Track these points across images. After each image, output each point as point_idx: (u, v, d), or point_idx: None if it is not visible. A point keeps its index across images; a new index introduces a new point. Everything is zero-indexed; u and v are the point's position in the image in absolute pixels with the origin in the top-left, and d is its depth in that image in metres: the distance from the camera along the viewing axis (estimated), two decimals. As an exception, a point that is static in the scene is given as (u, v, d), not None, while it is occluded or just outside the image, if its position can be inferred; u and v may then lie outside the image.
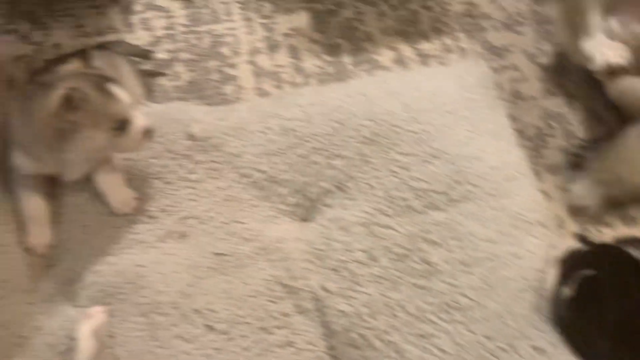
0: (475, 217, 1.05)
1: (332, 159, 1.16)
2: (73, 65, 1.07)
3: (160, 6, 1.63)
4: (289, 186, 1.16)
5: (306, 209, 1.16)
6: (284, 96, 1.29)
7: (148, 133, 1.07)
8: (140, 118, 1.06)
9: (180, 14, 1.62)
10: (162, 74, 1.45)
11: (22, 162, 1.10)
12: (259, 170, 1.17)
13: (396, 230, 1.04)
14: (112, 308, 1.01)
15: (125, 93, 1.05)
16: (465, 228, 1.04)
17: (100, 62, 1.17)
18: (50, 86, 1.00)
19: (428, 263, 1.01)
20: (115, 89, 1.03)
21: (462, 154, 1.12)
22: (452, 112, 1.18)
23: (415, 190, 1.08)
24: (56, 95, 0.97)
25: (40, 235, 1.11)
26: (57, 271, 1.09)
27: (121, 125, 1.03)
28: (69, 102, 0.96)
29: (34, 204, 1.12)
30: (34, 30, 1.56)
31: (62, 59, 1.22)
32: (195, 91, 1.45)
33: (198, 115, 1.25)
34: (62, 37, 1.55)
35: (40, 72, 1.19)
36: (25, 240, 1.10)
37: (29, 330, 1.01)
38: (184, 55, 1.52)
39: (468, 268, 0.99)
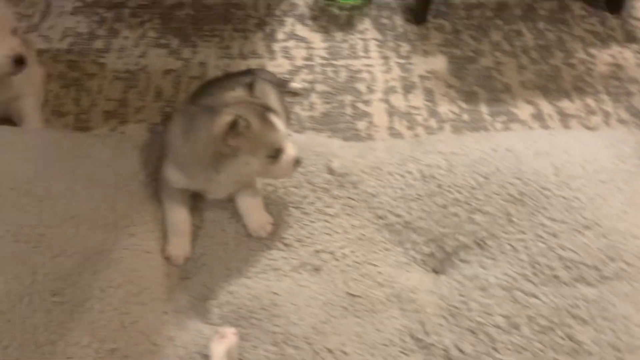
0: (630, 299, 0.98)
1: (473, 213, 1.13)
2: (239, 93, 1.10)
3: (302, 37, 1.68)
4: (424, 235, 1.14)
5: (440, 260, 1.13)
6: (423, 140, 1.28)
7: (297, 163, 1.10)
8: (291, 148, 1.09)
9: (320, 46, 1.66)
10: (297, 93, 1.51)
11: (173, 175, 1.15)
12: (395, 214, 1.16)
13: (541, 300, 1.00)
14: (244, 331, 1.02)
15: (282, 123, 1.08)
16: (618, 309, 0.97)
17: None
18: (216, 111, 1.04)
19: (574, 341, 0.95)
20: (275, 119, 1.06)
21: (617, 229, 1.06)
22: (607, 181, 1.13)
23: (564, 260, 1.03)
24: (223, 121, 1.01)
25: (179, 245, 1.15)
26: (192, 284, 1.12)
27: (276, 153, 1.06)
28: (234, 129, 1.00)
29: (177, 216, 1.17)
30: (183, 47, 1.65)
31: (220, 82, 1.27)
32: (328, 123, 1.47)
33: (337, 150, 1.26)
34: (208, 56, 1.62)
35: (200, 94, 1.24)
36: (165, 249, 1.14)
37: (163, 339, 1.04)
38: (321, 87, 1.56)
39: (620, 354, 0.93)
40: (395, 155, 1.24)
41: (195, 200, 1.20)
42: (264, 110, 1.07)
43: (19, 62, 1.18)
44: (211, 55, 1.63)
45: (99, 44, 1.65)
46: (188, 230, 1.16)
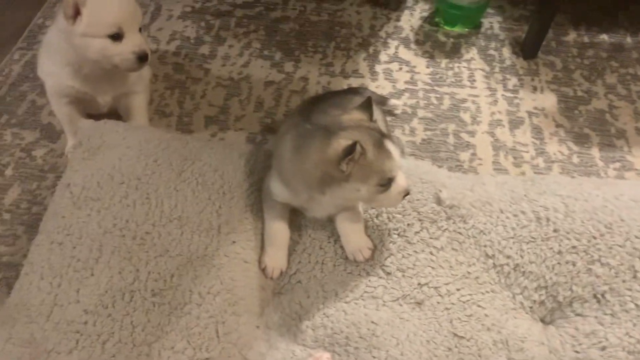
0: None
1: (592, 263, 1.05)
2: (355, 115, 1.06)
3: (406, 60, 1.65)
4: (535, 280, 1.07)
5: (550, 310, 1.06)
6: (537, 180, 1.21)
7: (406, 194, 1.05)
8: (402, 178, 1.04)
9: (424, 71, 1.62)
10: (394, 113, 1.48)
11: (276, 188, 1.13)
12: (505, 255, 1.10)
13: (671, 370, 0.90)
14: (338, 358, 0.97)
15: (397, 152, 1.03)
16: None
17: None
18: (332, 133, 1.01)
19: None
20: (391, 148, 1.02)
21: None
22: None
23: (699, 327, 0.94)
24: (339, 145, 0.98)
25: (276, 257, 1.12)
26: (285, 301, 1.09)
27: (387, 183, 1.02)
28: (349, 154, 0.96)
29: (276, 227, 1.14)
30: (286, 61, 1.64)
31: (331, 99, 1.25)
32: (429, 150, 1.43)
33: (444, 180, 1.21)
34: (310, 71, 1.61)
35: (309, 110, 1.21)
36: (261, 260, 1.12)
37: (255, 355, 1.01)
38: (422, 113, 1.51)
39: None
40: (507, 192, 1.18)
41: (296, 215, 1.17)
42: (381, 137, 1.03)
43: (143, 59, 1.20)
44: (313, 71, 1.62)
45: (204, 49, 1.67)
46: (285, 244, 1.14)
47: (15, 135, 1.44)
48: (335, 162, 0.98)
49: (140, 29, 1.23)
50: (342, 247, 1.13)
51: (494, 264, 1.10)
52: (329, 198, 1.04)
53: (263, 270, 1.12)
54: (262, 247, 1.14)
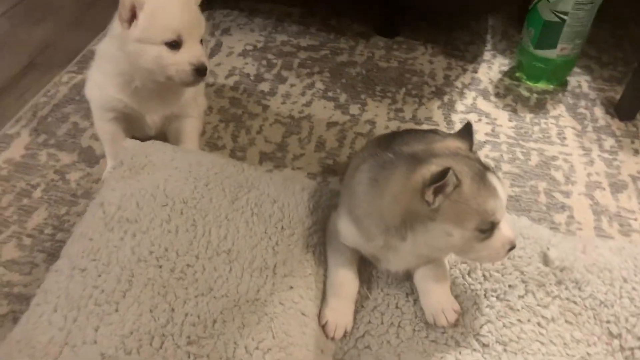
0: None
1: None
2: (451, 143, 0.88)
3: (485, 112, 1.49)
4: (680, 372, 0.81)
5: None
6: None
7: (512, 248, 0.83)
8: (507, 226, 0.83)
9: (506, 124, 1.45)
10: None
11: (345, 229, 0.93)
12: (636, 336, 0.85)
13: None
14: None
15: (504, 189, 0.83)
16: None
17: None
18: (419, 159, 0.83)
19: None
20: (496, 183, 0.82)
21: None
22: None
23: None
24: (427, 171, 0.79)
25: (339, 312, 0.91)
26: (350, 370, 0.85)
27: (489, 228, 0.81)
28: (440, 184, 0.77)
29: (342, 276, 0.94)
30: (351, 103, 1.50)
31: (413, 133, 1.08)
32: (519, 209, 1.22)
33: (549, 237, 0.99)
34: (378, 115, 1.46)
35: (388, 143, 1.03)
36: (323, 314, 0.90)
37: None
38: (507, 167, 1.32)
39: None
40: (629, 259, 0.96)
41: (366, 264, 0.96)
42: (483, 168, 0.83)
43: (200, 72, 1.06)
44: (381, 115, 1.46)
45: (264, 86, 1.54)
46: (352, 296, 0.93)
47: (51, 156, 1.30)
48: (421, 192, 0.78)
49: (201, 41, 1.09)
50: (421, 308, 0.90)
51: (621, 346, 0.85)
52: (410, 245, 0.84)
53: (323, 327, 0.90)
54: (324, 299, 0.93)
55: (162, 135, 1.25)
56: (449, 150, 0.86)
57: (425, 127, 1.42)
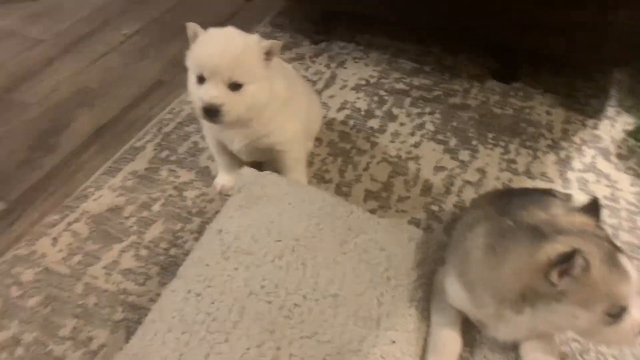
0: None
1: None
2: (577, 218, 0.84)
3: (605, 173, 1.41)
4: None
5: None
6: None
7: None
8: (638, 308, 0.78)
9: (627, 189, 1.36)
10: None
11: (452, 290, 0.91)
12: None
13: None
14: None
15: (635, 271, 0.78)
16: None
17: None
18: (544, 234, 0.80)
19: None
20: (627, 265, 0.77)
21: None
22: None
23: None
24: (553, 250, 0.76)
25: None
26: None
27: (618, 312, 0.76)
28: (566, 266, 0.73)
29: (445, 337, 0.92)
30: (461, 148, 1.48)
31: (529, 195, 1.04)
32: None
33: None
34: (489, 164, 1.43)
35: (500, 203, 1.00)
36: (421, 375, 0.89)
37: None
38: (626, 236, 1.24)
39: None
40: None
41: (471, 325, 0.94)
42: (613, 249, 0.79)
43: (207, 112, 1.05)
44: (492, 165, 1.42)
45: (374, 122, 1.56)
46: (454, 358, 0.90)
47: (171, 173, 1.39)
48: (545, 273, 0.75)
49: (233, 85, 1.05)
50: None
51: None
52: (527, 319, 0.81)
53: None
54: (424, 357, 0.91)
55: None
56: (575, 226, 0.82)
57: (538, 182, 1.37)
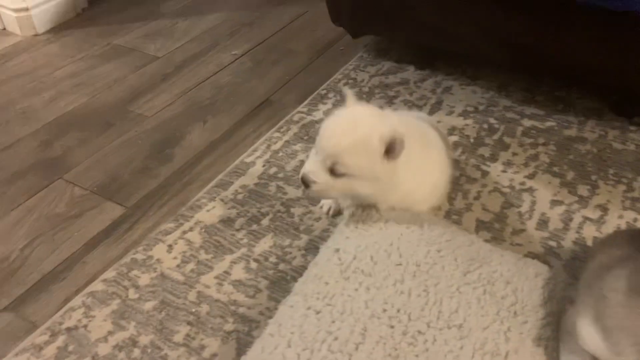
0: None
1: None
2: None
3: None
4: None
5: None
6: None
7: None
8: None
9: None
10: None
11: (585, 333, 0.84)
12: None
13: None
14: None
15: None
16: None
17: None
18: None
19: None
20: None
21: None
22: None
23: None
24: None
25: None
26: None
27: None
28: None
29: (576, 383, 0.84)
30: (579, 183, 1.40)
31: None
32: None
33: None
34: (611, 202, 1.34)
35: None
36: None
37: None
38: None
39: None
40: None
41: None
42: None
43: (303, 182, 1.03)
44: (614, 202, 1.34)
45: (484, 150, 1.51)
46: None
47: (280, 189, 1.41)
48: None
49: (333, 169, 0.99)
50: None
51: None
52: None
53: None
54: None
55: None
56: None
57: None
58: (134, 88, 1.85)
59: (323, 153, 0.98)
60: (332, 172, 0.98)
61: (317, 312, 0.90)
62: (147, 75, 1.91)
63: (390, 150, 0.96)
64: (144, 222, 1.34)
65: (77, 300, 1.15)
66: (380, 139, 0.95)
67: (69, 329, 1.09)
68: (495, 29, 1.34)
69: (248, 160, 1.51)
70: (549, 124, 1.61)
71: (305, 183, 1.01)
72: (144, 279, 1.18)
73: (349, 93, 1.05)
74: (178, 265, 1.21)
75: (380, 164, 0.97)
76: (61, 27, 2.22)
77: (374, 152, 0.96)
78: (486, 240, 1.23)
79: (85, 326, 1.09)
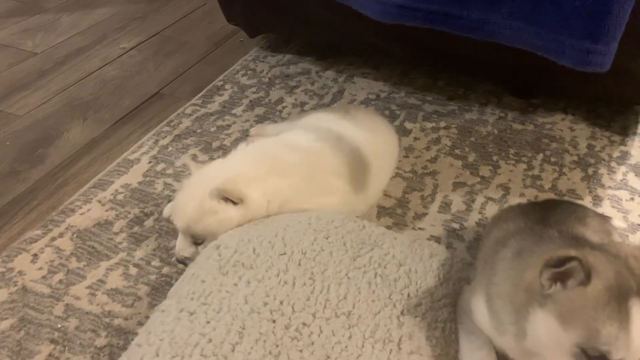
0: None
1: None
2: (628, 249, 0.70)
3: (639, 190, 1.29)
4: None
5: None
6: None
7: None
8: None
9: (665, 207, 1.24)
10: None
11: (476, 307, 0.79)
12: None
13: None
14: None
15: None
16: None
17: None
18: (571, 245, 0.70)
19: None
20: (636, 316, 0.62)
21: None
22: None
23: None
24: (553, 255, 0.65)
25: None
26: None
27: (596, 356, 0.62)
28: (559, 270, 0.64)
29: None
30: (481, 164, 1.37)
31: (571, 210, 0.92)
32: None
33: None
34: (512, 181, 1.32)
35: (543, 217, 0.88)
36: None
37: None
38: (668, 257, 1.11)
39: None
40: None
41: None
42: (635, 289, 0.63)
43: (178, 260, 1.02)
44: (515, 181, 1.31)
45: (386, 137, 1.45)
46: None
47: (167, 186, 1.28)
48: (540, 273, 0.66)
49: (197, 241, 0.99)
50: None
51: None
52: (529, 342, 0.69)
53: None
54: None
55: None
56: (620, 252, 0.69)
57: (566, 199, 1.26)
58: (5, 87, 1.66)
59: (180, 230, 0.99)
60: (195, 242, 0.98)
61: (191, 314, 0.79)
62: (22, 72, 1.73)
63: (230, 197, 0.94)
64: (7, 231, 1.17)
65: None
66: (210, 198, 0.94)
67: None
68: (387, 25, 1.29)
69: (132, 157, 1.37)
70: (450, 107, 1.59)
71: (181, 262, 1.00)
72: (1, 295, 1.02)
73: (190, 164, 1.04)
74: (44, 277, 1.06)
75: (230, 212, 0.95)
76: None
77: (214, 210, 0.94)
78: (387, 227, 1.17)
79: None
